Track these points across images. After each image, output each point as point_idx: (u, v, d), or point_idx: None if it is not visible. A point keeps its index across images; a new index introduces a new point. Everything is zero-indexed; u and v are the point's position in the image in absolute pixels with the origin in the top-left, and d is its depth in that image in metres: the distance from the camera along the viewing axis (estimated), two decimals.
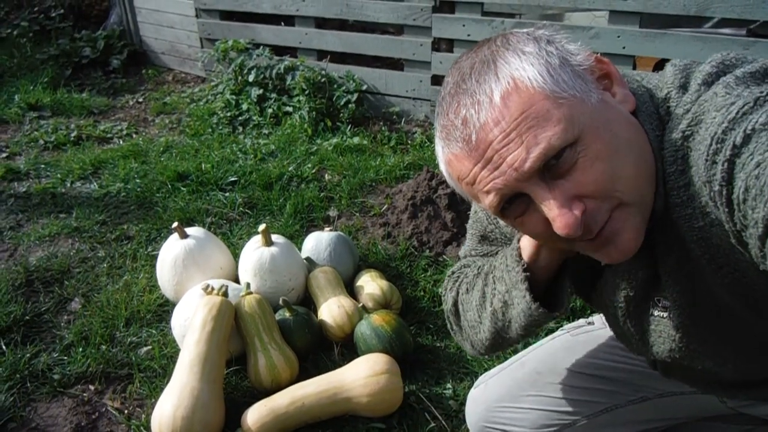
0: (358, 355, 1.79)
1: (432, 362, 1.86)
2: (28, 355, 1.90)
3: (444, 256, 2.34)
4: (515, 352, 1.79)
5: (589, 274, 1.00)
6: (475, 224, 1.14)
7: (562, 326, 1.44)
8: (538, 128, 0.71)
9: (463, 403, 1.63)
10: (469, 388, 1.43)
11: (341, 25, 4.19)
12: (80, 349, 1.92)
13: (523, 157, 0.71)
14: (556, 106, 0.71)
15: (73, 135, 3.69)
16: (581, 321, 1.40)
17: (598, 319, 1.38)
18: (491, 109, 0.72)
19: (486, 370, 1.66)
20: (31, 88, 4.38)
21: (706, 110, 0.72)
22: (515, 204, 0.78)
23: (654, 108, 0.80)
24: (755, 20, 2.74)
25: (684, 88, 0.79)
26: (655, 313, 0.91)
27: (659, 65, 3.07)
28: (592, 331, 1.34)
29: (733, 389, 1.05)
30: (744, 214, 0.64)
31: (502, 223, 1.06)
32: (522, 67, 0.73)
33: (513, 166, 0.72)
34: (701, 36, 2.77)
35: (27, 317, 2.08)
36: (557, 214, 0.72)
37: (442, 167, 0.83)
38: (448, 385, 1.76)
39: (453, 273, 1.18)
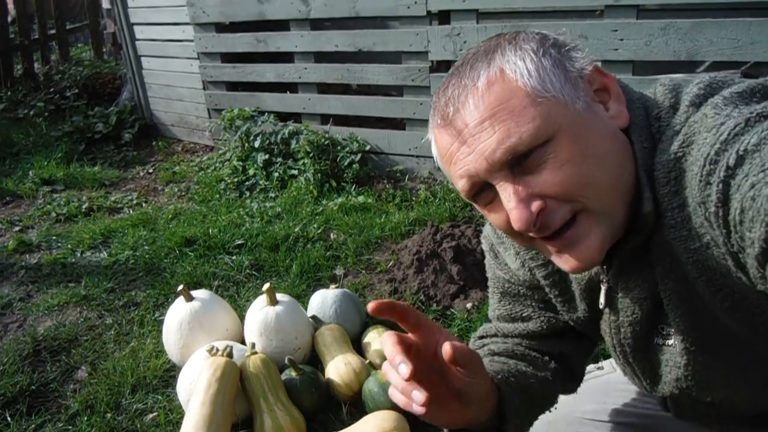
0: (366, 414, 1.74)
1: None
2: (33, 426, 1.87)
3: (452, 309, 2.31)
4: None
5: (590, 317, 0.99)
6: (493, 282, 1.13)
7: None
8: (512, 122, 0.73)
9: None
10: None
11: (345, 89, 4.31)
12: (85, 419, 1.89)
13: (492, 147, 0.74)
14: (534, 104, 0.73)
15: (84, 207, 3.76)
16: (591, 366, 1.36)
17: (608, 363, 1.35)
18: (474, 91, 0.76)
19: None
20: (46, 163, 4.51)
21: (696, 131, 0.72)
22: (485, 192, 0.80)
23: (647, 124, 0.81)
24: (746, 61, 2.79)
25: (674, 108, 0.79)
26: (660, 342, 0.89)
27: None
28: (601, 376, 1.31)
29: (750, 426, 1.00)
30: (741, 236, 0.64)
31: (516, 269, 1.05)
32: (513, 61, 0.76)
33: (484, 155, 0.75)
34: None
35: (33, 387, 2.06)
36: (514, 207, 0.75)
37: (433, 149, 0.86)
38: None
39: (480, 338, 1.15)
